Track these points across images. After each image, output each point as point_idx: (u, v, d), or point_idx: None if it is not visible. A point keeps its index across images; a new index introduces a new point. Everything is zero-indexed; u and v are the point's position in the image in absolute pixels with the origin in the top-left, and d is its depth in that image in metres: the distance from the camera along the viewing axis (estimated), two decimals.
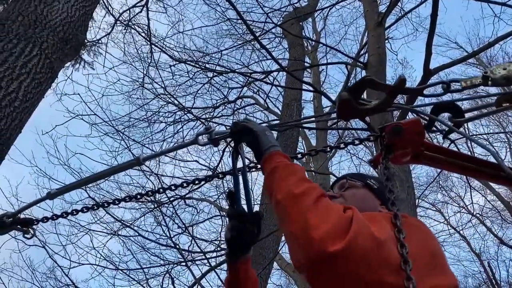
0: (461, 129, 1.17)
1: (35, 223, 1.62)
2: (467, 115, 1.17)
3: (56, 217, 1.62)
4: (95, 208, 1.55)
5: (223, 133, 1.32)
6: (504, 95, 1.09)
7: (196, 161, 8.02)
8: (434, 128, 1.18)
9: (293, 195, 0.97)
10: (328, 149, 1.47)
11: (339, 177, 1.48)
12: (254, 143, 1.23)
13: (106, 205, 1.53)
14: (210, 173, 7.80)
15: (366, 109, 1.14)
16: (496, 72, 1.04)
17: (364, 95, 1.22)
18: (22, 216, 1.65)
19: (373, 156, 1.29)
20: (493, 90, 1.15)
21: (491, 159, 1.17)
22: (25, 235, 1.62)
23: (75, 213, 1.58)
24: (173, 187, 1.49)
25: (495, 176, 1.18)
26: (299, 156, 1.61)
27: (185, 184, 1.47)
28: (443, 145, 1.32)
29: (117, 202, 1.54)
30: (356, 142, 1.39)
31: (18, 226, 1.61)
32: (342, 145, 1.43)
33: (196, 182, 1.51)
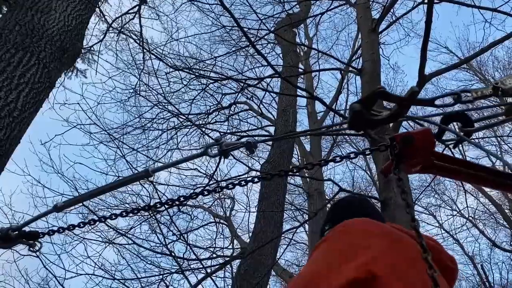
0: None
1: (41, 236, 1.59)
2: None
3: (62, 230, 1.60)
4: (103, 220, 1.53)
5: (233, 144, 1.32)
6: None
7: (196, 169, 7.99)
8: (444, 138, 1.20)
9: None
10: (323, 163, 1.43)
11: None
12: None
13: (114, 217, 1.51)
14: (206, 180, 7.78)
15: (377, 120, 1.15)
16: (506, 82, 1.06)
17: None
18: (27, 229, 1.63)
19: (383, 165, 1.29)
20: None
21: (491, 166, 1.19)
22: (31, 249, 1.60)
23: (82, 225, 1.56)
24: (169, 202, 1.46)
25: (506, 185, 1.19)
26: (295, 170, 1.57)
27: (182, 199, 1.45)
28: (452, 154, 1.33)
29: (124, 214, 1.53)
30: (351, 156, 1.37)
31: (24, 240, 1.59)
32: (337, 159, 1.40)
33: (194, 195, 1.49)
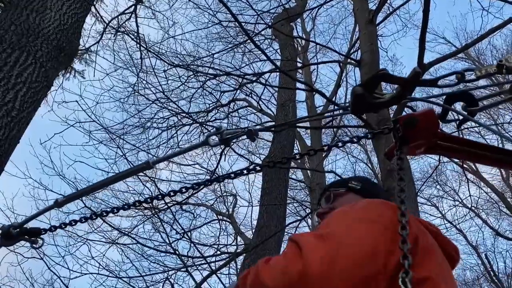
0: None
1: (43, 232, 1.58)
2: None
3: (64, 225, 1.59)
4: (104, 215, 1.52)
5: (234, 132, 1.30)
6: None
7: (196, 164, 7.97)
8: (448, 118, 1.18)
9: None
10: (326, 148, 1.43)
11: (322, 191, 1.48)
12: None
13: (116, 211, 1.50)
14: (207, 176, 7.78)
15: (380, 103, 1.13)
16: (511, 60, 1.04)
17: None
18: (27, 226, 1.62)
19: (387, 149, 1.28)
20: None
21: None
22: (33, 245, 1.59)
23: (83, 221, 1.55)
24: (171, 193, 1.45)
25: (507, 162, 1.18)
26: (297, 156, 1.57)
27: (183, 190, 1.44)
28: (454, 134, 1.31)
29: (126, 207, 1.51)
30: (354, 140, 1.36)
31: (26, 237, 1.58)
32: (339, 144, 1.39)
33: (196, 186, 1.48)
